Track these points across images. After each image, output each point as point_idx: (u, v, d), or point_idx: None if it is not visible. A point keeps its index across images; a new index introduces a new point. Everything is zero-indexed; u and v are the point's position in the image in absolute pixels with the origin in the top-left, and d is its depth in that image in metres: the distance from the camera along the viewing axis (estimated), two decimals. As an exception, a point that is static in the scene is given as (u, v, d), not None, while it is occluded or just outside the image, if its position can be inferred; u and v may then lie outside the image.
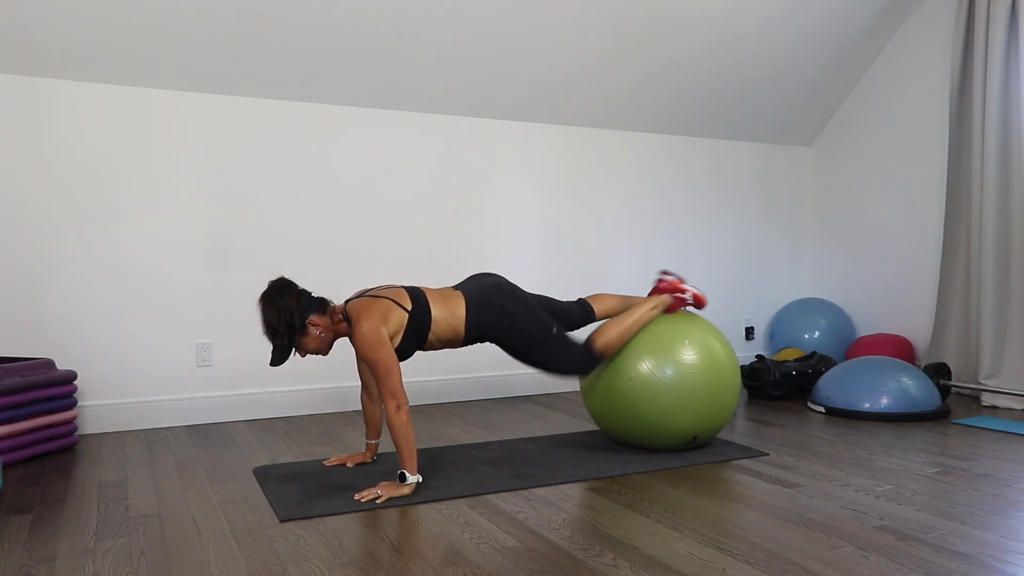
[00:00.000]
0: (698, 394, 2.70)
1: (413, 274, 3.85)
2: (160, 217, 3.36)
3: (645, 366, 2.71)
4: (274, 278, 2.54)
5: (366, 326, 2.33)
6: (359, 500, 2.26)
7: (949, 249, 4.09)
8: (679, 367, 2.69)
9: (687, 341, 2.73)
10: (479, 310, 2.54)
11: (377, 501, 2.26)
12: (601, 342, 2.70)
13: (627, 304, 2.92)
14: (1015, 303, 3.78)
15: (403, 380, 2.45)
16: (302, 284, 3.62)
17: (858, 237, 4.78)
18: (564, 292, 4.25)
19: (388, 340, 2.35)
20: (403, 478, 2.32)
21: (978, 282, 3.88)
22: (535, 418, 3.51)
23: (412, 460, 2.33)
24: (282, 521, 2.10)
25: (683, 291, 2.88)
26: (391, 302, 2.43)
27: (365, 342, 2.31)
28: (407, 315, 2.44)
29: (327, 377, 3.69)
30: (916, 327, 4.44)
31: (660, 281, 2.92)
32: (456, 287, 2.63)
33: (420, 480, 2.36)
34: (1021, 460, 2.69)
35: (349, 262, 3.72)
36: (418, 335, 2.48)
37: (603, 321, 2.92)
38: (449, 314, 2.52)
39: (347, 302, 2.48)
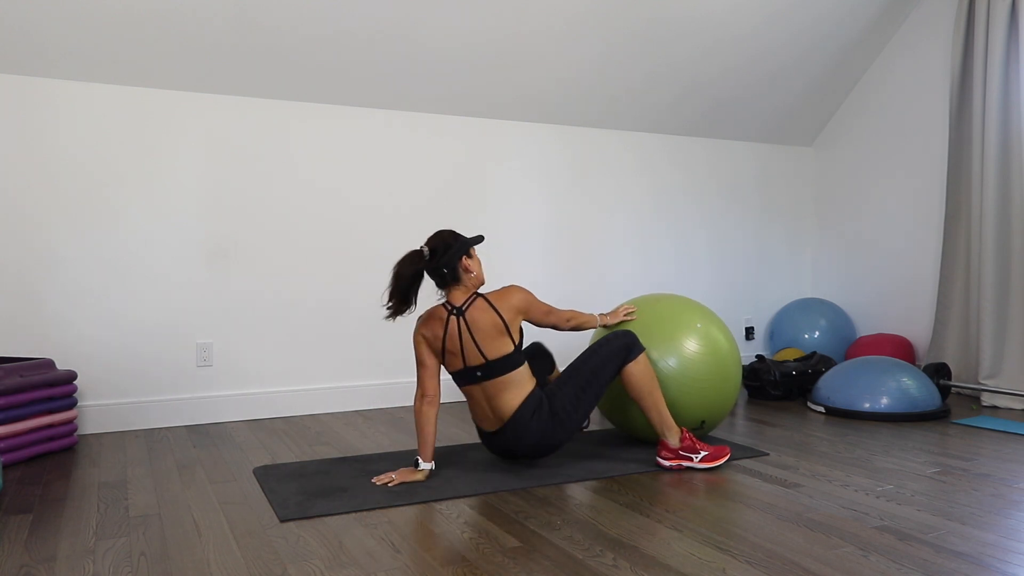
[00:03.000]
0: (702, 381, 2.78)
1: (413, 274, 3.85)
2: (160, 217, 3.36)
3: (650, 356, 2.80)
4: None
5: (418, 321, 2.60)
6: (375, 483, 2.40)
7: (949, 249, 4.09)
8: (682, 357, 2.79)
9: (698, 325, 2.85)
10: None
11: (390, 484, 2.39)
12: (626, 376, 2.64)
13: None
14: (1015, 303, 3.78)
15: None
16: (303, 283, 3.63)
17: (858, 237, 4.78)
18: (565, 291, 4.25)
19: (420, 340, 2.55)
20: (417, 464, 2.48)
21: (978, 282, 3.88)
22: (535, 418, 3.51)
23: (424, 447, 2.47)
24: (282, 521, 2.10)
25: (675, 453, 2.65)
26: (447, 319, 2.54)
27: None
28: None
29: (327, 377, 3.69)
30: (916, 327, 4.44)
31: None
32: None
33: (432, 468, 2.49)
34: (1021, 460, 2.69)
35: (349, 261, 3.72)
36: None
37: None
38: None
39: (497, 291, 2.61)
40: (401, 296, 2.50)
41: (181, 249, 3.40)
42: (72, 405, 2.96)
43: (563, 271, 4.25)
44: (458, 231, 2.66)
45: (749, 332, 4.86)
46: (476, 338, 2.49)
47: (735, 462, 2.69)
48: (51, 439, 2.87)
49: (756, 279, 4.90)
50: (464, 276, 2.55)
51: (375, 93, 3.69)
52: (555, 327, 2.68)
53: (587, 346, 2.88)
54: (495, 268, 4.06)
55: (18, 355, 3.13)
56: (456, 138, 3.96)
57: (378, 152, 3.78)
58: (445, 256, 2.52)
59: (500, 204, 4.08)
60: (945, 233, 4.10)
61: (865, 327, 4.73)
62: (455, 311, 2.52)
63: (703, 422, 2.83)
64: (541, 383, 2.69)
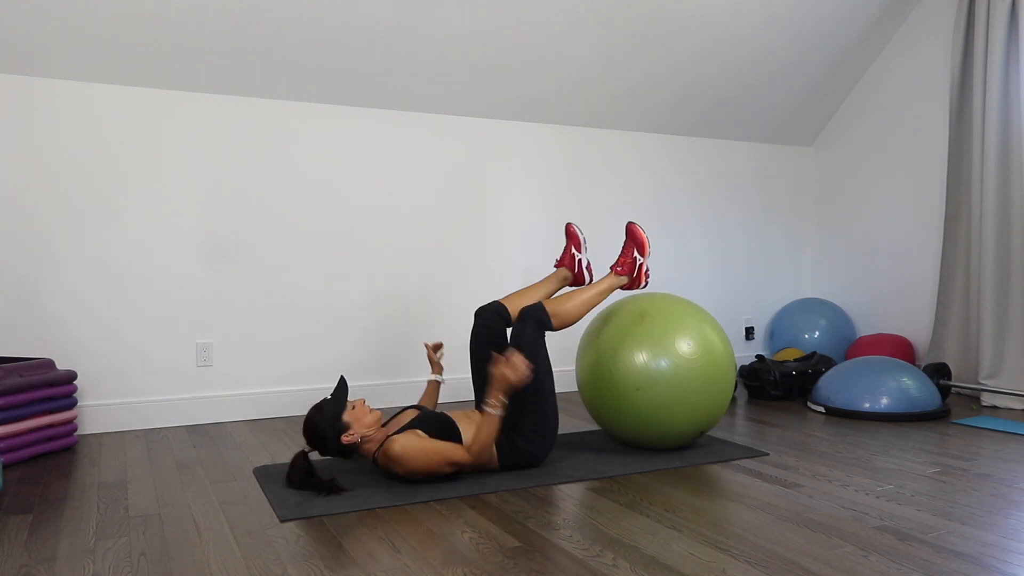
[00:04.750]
0: (695, 387, 2.68)
1: (413, 275, 3.85)
2: (160, 217, 3.36)
3: (640, 358, 2.68)
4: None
5: None
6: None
7: (949, 249, 4.09)
8: (675, 359, 2.67)
9: (689, 343, 2.71)
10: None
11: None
12: (557, 320, 2.64)
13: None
14: (1015, 303, 3.78)
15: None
16: (303, 282, 3.63)
17: (858, 237, 4.78)
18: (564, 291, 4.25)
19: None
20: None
21: (978, 282, 3.88)
22: (535, 418, 3.50)
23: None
24: (282, 521, 2.10)
25: (641, 278, 2.89)
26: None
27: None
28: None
29: (327, 377, 3.69)
30: (916, 327, 4.44)
31: (623, 258, 2.87)
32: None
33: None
34: (1021, 460, 2.69)
35: (349, 260, 3.72)
36: None
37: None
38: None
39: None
40: (337, 452, 2.43)
41: (181, 249, 3.40)
42: (72, 405, 2.96)
43: (563, 271, 4.25)
44: (323, 405, 2.45)
45: (749, 332, 4.86)
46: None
47: (735, 462, 2.69)
48: (51, 439, 2.87)
49: (756, 279, 4.90)
50: (353, 448, 2.44)
51: (375, 93, 3.69)
52: (467, 463, 2.41)
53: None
54: (495, 269, 4.06)
55: (18, 355, 3.13)
56: (456, 138, 3.96)
57: (378, 152, 3.78)
58: (327, 447, 2.41)
59: (500, 204, 4.08)
60: (945, 233, 4.10)
61: (865, 327, 4.73)
62: (374, 459, 2.46)
63: (702, 432, 2.82)
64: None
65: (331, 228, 3.69)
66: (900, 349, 4.29)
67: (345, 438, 2.40)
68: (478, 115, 4.00)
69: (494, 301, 2.79)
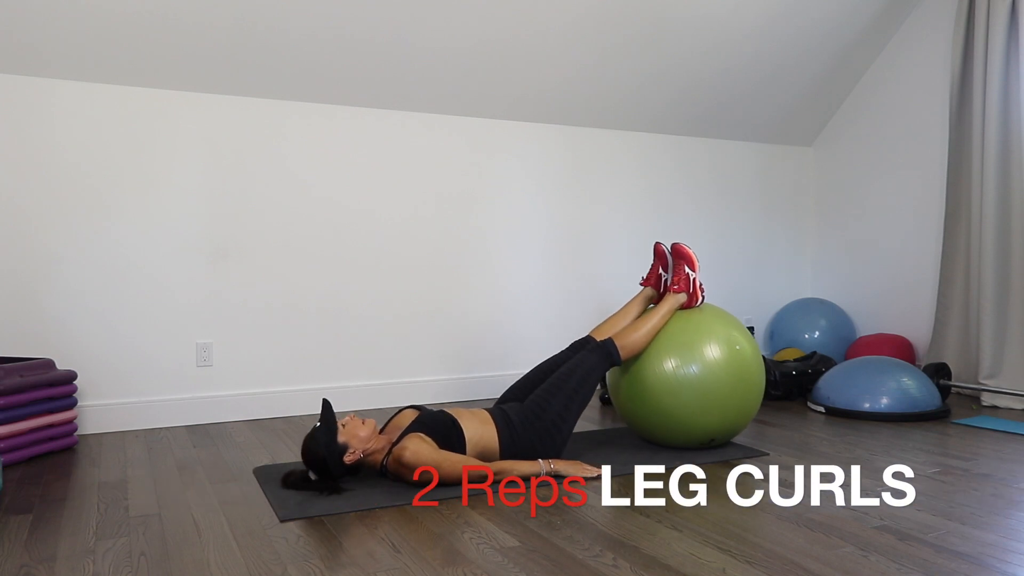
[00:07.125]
0: (722, 394, 2.73)
1: (413, 275, 3.85)
2: (160, 217, 3.36)
3: (670, 364, 2.74)
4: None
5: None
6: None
7: (949, 249, 4.09)
8: (704, 365, 2.73)
9: (737, 347, 2.79)
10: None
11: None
12: (626, 352, 2.76)
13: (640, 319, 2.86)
14: (1015, 303, 3.78)
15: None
16: (303, 282, 3.62)
17: (858, 237, 4.78)
18: (565, 291, 4.25)
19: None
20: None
21: (978, 282, 3.88)
22: (535, 418, 3.50)
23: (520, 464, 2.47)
24: (282, 521, 2.10)
25: (697, 294, 2.91)
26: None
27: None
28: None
29: (327, 377, 3.69)
30: (916, 327, 4.44)
31: (676, 276, 2.89)
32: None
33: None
34: (1021, 460, 2.69)
35: (349, 260, 3.72)
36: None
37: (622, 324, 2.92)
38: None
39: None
40: (344, 473, 2.40)
41: (181, 249, 3.40)
42: (72, 405, 2.96)
43: (563, 271, 4.25)
44: (315, 433, 2.38)
45: (749, 332, 4.85)
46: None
47: (735, 462, 2.69)
48: (51, 439, 2.87)
49: (756, 279, 4.90)
50: (360, 463, 2.42)
51: (375, 93, 3.69)
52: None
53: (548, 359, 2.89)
54: (494, 269, 4.06)
55: (18, 355, 3.13)
56: (456, 138, 3.96)
57: (378, 152, 3.78)
58: (329, 470, 2.36)
59: (500, 204, 4.08)
60: (945, 233, 4.10)
61: (865, 327, 4.73)
62: (382, 467, 2.44)
63: (712, 439, 2.82)
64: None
65: (331, 228, 3.69)
66: (900, 349, 4.28)
67: (348, 458, 2.37)
68: (478, 115, 4.00)
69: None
